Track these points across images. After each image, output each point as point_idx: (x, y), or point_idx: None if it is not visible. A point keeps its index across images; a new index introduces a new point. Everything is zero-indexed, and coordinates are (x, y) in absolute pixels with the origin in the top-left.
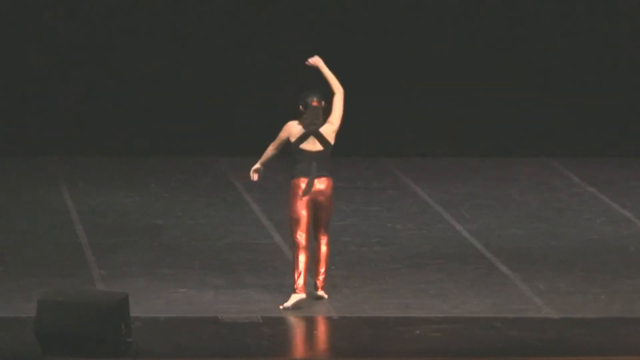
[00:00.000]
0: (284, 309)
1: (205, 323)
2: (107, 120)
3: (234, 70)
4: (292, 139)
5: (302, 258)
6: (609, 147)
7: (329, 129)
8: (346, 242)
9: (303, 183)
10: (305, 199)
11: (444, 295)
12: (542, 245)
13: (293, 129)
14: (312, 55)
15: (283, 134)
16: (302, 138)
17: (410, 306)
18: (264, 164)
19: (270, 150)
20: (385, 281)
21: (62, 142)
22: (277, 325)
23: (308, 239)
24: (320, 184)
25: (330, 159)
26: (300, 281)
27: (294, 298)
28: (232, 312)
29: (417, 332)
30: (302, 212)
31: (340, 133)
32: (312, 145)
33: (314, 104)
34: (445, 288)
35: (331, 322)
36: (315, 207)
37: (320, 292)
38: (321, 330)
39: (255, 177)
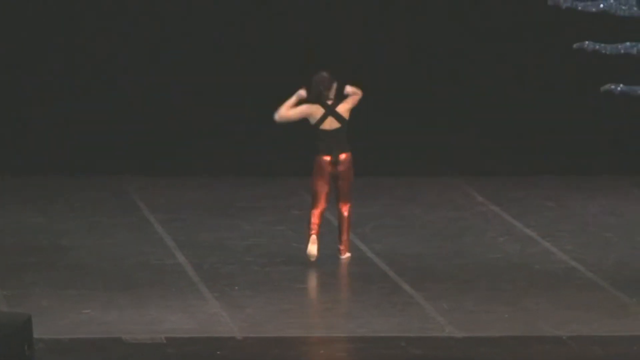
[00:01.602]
0: (309, 255)
1: (109, 344)
2: (11, 139)
3: (140, 88)
4: (312, 121)
5: (316, 217)
6: (512, 166)
7: (344, 107)
8: (251, 261)
9: (325, 159)
10: (326, 174)
11: (349, 315)
12: (446, 264)
13: (312, 109)
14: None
15: (301, 112)
16: (322, 119)
17: (315, 326)
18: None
19: (287, 111)
20: (289, 301)
21: None
22: (182, 346)
23: (324, 208)
24: (340, 159)
25: (346, 134)
26: (313, 228)
27: (311, 241)
28: (136, 333)
29: (322, 351)
30: (322, 187)
31: (246, 152)
32: (329, 124)
33: (324, 74)
34: (350, 307)
35: (235, 342)
36: (335, 179)
37: (344, 256)
38: (225, 350)
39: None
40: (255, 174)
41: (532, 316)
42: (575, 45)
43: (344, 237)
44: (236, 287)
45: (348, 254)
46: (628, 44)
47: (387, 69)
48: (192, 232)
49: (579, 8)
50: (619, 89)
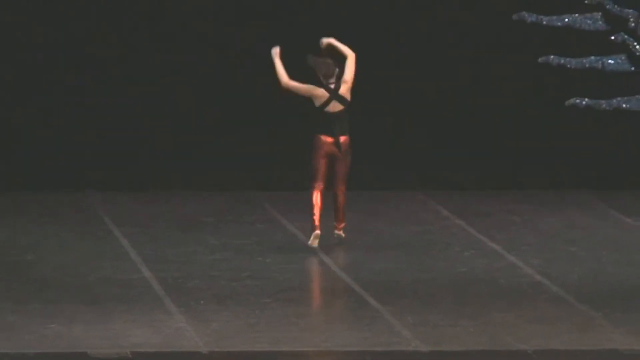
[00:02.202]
0: (311, 246)
1: (75, 358)
2: None
3: (105, 103)
4: (317, 103)
5: (317, 199)
6: (477, 180)
7: (344, 88)
8: (216, 276)
9: (325, 139)
10: (324, 153)
11: (314, 329)
12: (411, 278)
13: (317, 92)
14: None
15: (306, 89)
16: (326, 103)
17: (281, 340)
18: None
19: (289, 80)
20: (255, 315)
21: None
22: None
23: (323, 186)
24: (342, 141)
25: (349, 115)
26: (316, 219)
27: (314, 235)
28: (102, 348)
29: None
30: (321, 164)
31: (211, 166)
32: (333, 106)
33: (328, 60)
34: (316, 321)
35: (201, 356)
36: (333, 160)
37: (338, 233)
38: None
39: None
40: (221, 188)
41: (497, 330)
42: (540, 59)
43: (339, 217)
44: (202, 302)
45: (342, 234)
46: (593, 58)
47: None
48: (158, 246)
49: (544, 22)
50: (584, 103)
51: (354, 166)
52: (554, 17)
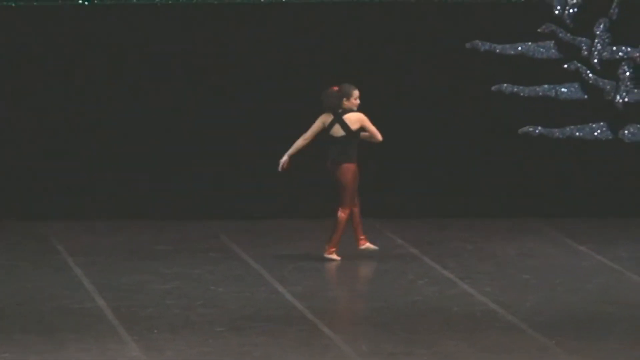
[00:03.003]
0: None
1: None
2: None
3: (58, 131)
4: (326, 126)
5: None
6: (430, 208)
7: (354, 117)
8: (170, 305)
9: (328, 162)
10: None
11: (268, 358)
12: (365, 306)
13: (326, 118)
14: None
15: (317, 124)
16: (330, 125)
17: None
18: (291, 155)
19: (299, 141)
20: (209, 344)
21: None
22: None
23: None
24: (337, 167)
25: (354, 144)
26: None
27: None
28: None
29: None
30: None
31: (164, 195)
32: (336, 131)
33: (334, 88)
34: (269, 350)
35: None
36: (334, 184)
37: (364, 246)
38: None
39: (284, 165)
40: (174, 217)
41: (451, 358)
42: (493, 88)
43: (333, 235)
44: (155, 330)
45: (367, 244)
46: (546, 86)
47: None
48: (111, 276)
49: (497, 50)
50: (537, 131)
51: (309, 194)
52: (507, 46)
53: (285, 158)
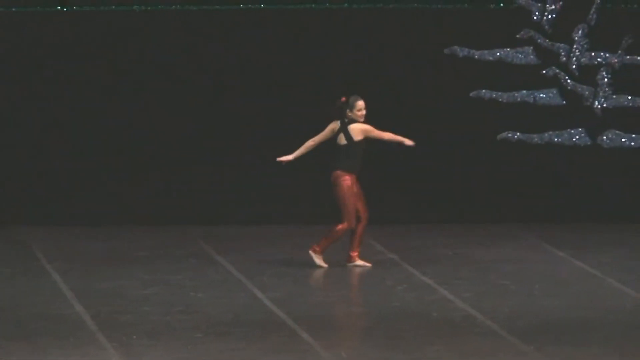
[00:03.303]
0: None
1: None
2: None
3: (37, 137)
4: (334, 134)
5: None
6: (409, 214)
7: (358, 128)
8: (149, 311)
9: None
10: None
11: None
12: (344, 312)
13: (334, 125)
14: None
15: (327, 130)
16: (337, 133)
17: None
18: (297, 157)
19: (309, 142)
20: (188, 350)
21: None
22: None
23: (354, 223)
24: (331, 173)
25: (356, 154)
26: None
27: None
28: None
29: None
30: None
31: (142, 201)
32: (340, 139)
33: (342, 99)
34: (248, 356)
35: None
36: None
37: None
38: None
39: (284, 159)
40: (153, 223)
41: None
42: (472, 94)
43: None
44: (134, 336)
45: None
46: (525, 92)
47: (285, 114)
48: (91, 281)
49: (476, 56)
50: (516, 136)
51: (288, 200)
52: (486, 52)
53: (290, 157)
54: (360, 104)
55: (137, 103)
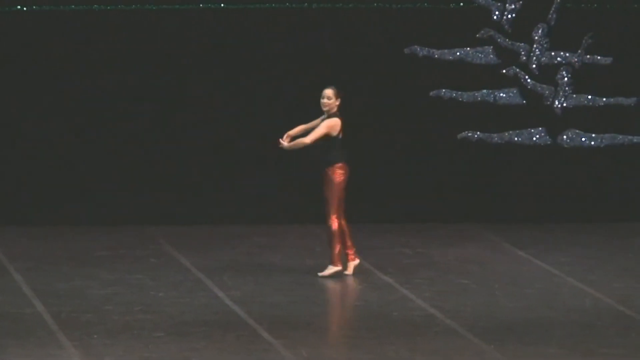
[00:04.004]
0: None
1: None
2: None
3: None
4: (335, 133)
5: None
6: (369, 214)
7: (326, 121)
8: (109, 310)
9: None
10: None
11: None
12: (305, 312)
13: (336, 122)
14: None
15: (329, 130)
16: (342, 129)
17: None
18: (291, 135)
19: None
20: (148, 349)
21: None
22: None
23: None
24: (322, 169)
25: (330, 148)
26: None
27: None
28: None
29: None
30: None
31: (103, 201)
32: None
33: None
34: (209, 355)
35: None
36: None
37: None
38: None
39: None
40: (113, 223)
41: None
42: (432, 93)
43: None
44: (95, 336)
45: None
46: (485, 91)
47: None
48: (51, 281)
49: (436, 56)
50: (476, 136)
51: (249, 199)
52: (446, 51)
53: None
54: (323, 93)
55: (91, 103)
